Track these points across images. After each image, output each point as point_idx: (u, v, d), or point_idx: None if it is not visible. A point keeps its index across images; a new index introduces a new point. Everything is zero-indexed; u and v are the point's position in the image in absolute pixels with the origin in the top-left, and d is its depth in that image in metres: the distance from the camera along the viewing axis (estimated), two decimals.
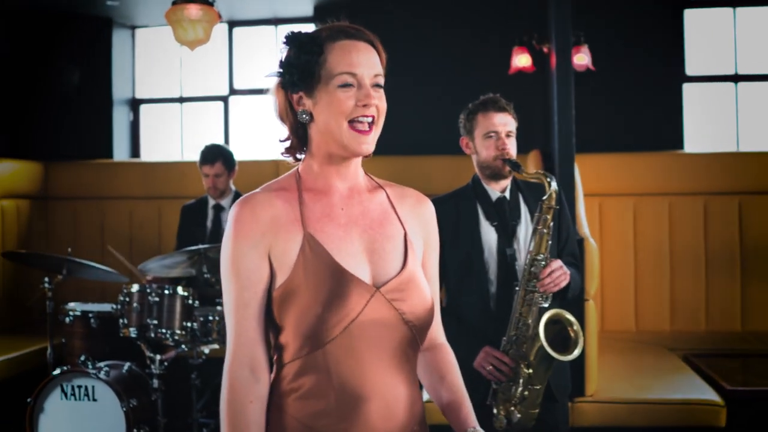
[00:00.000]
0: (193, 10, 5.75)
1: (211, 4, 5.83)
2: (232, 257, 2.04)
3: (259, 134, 8.30)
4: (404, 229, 2.17)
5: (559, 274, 3.54)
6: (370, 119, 2.05)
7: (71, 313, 5.30)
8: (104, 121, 8.02)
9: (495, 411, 3.59)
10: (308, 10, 7.65)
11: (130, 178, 7.54)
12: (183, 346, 5.12)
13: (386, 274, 2.07)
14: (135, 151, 8.43)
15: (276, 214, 2.05)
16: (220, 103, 8.29)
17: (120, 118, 8.17)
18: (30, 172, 7.39)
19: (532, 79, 6.75)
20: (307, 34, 2.08)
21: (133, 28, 8.27)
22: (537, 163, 6.09)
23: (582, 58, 6.48)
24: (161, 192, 7.36)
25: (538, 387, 3.55)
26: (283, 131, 2.17)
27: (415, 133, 7.21)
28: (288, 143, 2.16)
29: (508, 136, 3.75)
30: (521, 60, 6.67)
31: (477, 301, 3.74)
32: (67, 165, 7.62)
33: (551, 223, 3.61)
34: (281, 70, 2.09)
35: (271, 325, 2.08)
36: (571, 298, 3.77)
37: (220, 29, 8.20)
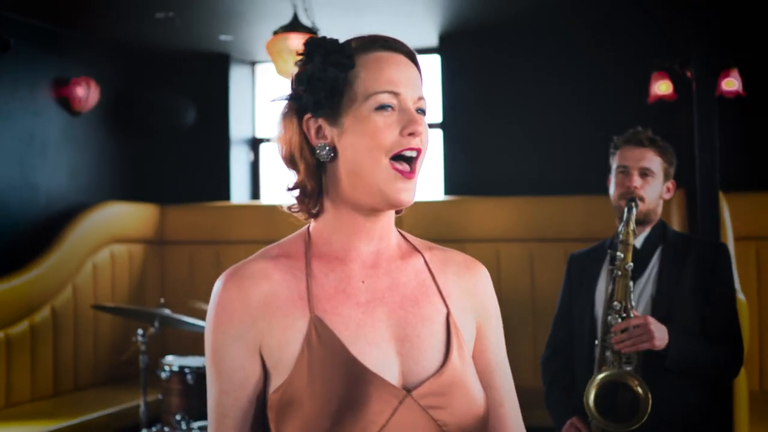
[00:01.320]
0: (295, 41, 5.35)
1: (315, 34, 5.41)
2: (211, 350, 1.58)
3: None
4: (447, 307, 1.66)
5: (640, 332, 3.02)
6: (415, 153, 1.57)
7: (167, 367, 4.97)
8: (222, 162, 7.72)
9: None
10: (433, 40, 7.17)
11: (248, 222, 7.21)
12: None
13: (421, 371, 1.57)
14: (255, 192, 8.10)
15: (273, 292, 1.57)
16: None
17: (238, 158, 7.87)
18: (144, 215, 7.14)
19: (675, 108, 6.07)
20: (333, 41, 1.59)
21: (252, 63, 7.95)
22: (681, 204, 5.49)
23: (731, 84, 5.78)
24: (281, 236, 6.95)
25: None
26: (291, 176, 1.66)
27: (545, 171, 6.70)
28: (298, 192, 1.65)
29: (643, 174, 3.29)
30: (661, 87, 6.01)
31: (582, 362, 3.31)
32: (183, 208, 7.35)
33: (628, 264, 3.10)
34: (297, 90, 1.59)
35: None
36: (702, 375, 3.21)
37: None
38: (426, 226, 6.59)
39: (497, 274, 6.32)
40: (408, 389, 1.52)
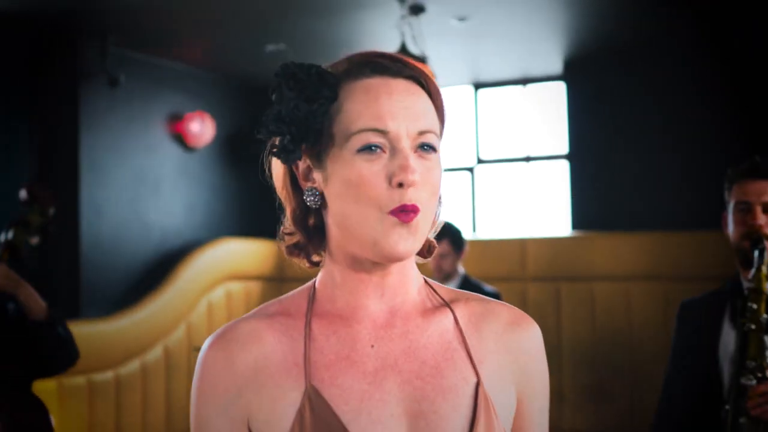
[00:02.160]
0: None
1: (424, 62, 5.18)
2: (195, 424, 1.35)
3: (505, 208, 7.60)
4: (478, 376, 1.35)
5: None
6: (410, 205, 1.26)
7: None
8: None
9: None
10: (557, 67, 6.92)
11: None
12: None
13: None
14: None
15: (264, 357, 1.33)
16: (467, 174, 7.63)
17: None
18: (262, 251, 7.06)
19: None
20: (312, 67, 1.29)
21: None
22: None
23: None
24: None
25: None
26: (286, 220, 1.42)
27: (676, 204, 6.30)
28: (292, 239, 1.40)
29: (767, 210, 2.87)
30: None
31: (703, 426, 2.92)
32: None
33: (763, 317, 2.70)
34: (268, 126, 1.31)
35: None
36: None
37: (466, 91, 7.63)
38: (550, 263, 6.36)
39: (627, 317, 5.97)
40: None
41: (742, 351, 2.72)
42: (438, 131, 1.33)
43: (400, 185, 1.24)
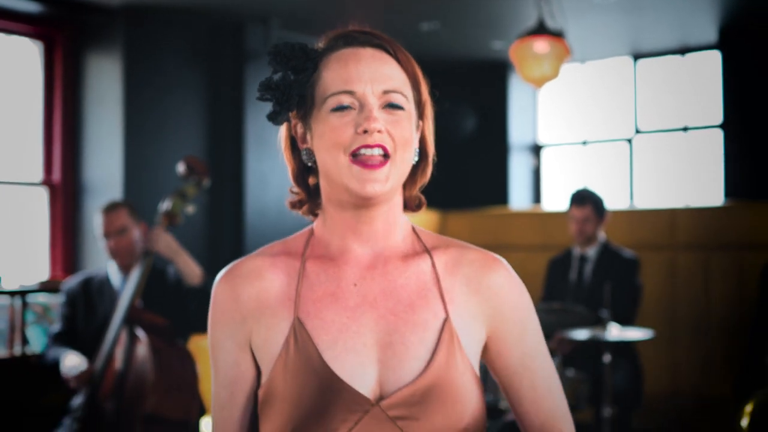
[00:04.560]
0: (541, 45, 5.29)
1: (561, 37, 5.33)
2: (210, 347, 1.61)
3: (664, 179, 7.61)
4: (446, 312, 1.54)
5: None
6: (378, 150, 1.49)
7: None
8: (501, 168, 7.83)
9: None
10: (712, 36, 6.89)
11: (526, 227, 7.25)
12: None
13: (398, 380, 1.49)
14: (537, 197, 8.12)
15: (264, 290, 1.56)
16: (625, 144, 7.68)
17: (518, 164, 7.95)
18: (426, 221, 7.29)
19: None
20: (296, 45, 1.56)
21: None
22: None
23: None
24: (557, 242, 6.75)
25: None
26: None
27: None
28: (295, 196, 1.66)
29: None
30: None
31: None
32: (464, 214, 7.50)
33: None
34: (260, 93, 1.57)
35: None
36: None
37: (624, 63, 7.68)
38: (703, 232, 6.39)
39: None
40: (381, 399, 1.49)
41: None
42: (405, 92, 1.54)
43: (365, 132, 1.47)
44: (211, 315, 1.60)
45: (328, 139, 1.50)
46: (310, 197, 1.62)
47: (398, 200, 1.59)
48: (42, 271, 6.02)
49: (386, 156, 1.49)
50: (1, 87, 5.93)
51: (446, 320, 1.53)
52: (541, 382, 1.62)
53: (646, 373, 5.80)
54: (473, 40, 7.09)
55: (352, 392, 1.46)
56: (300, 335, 1.50)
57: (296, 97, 1.54)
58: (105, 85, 6.03)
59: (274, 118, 1.56)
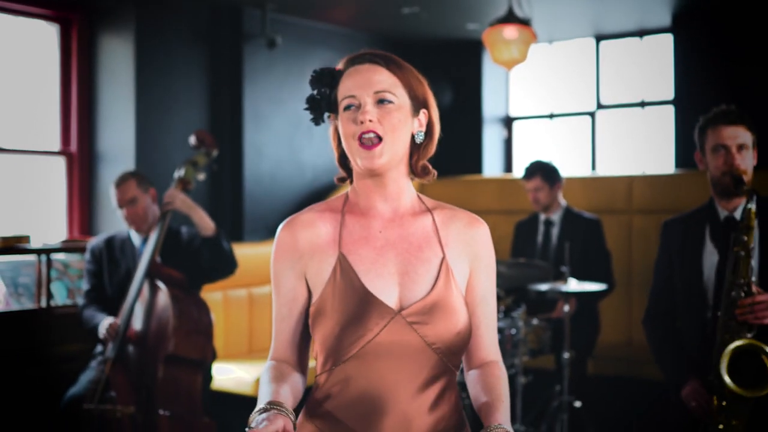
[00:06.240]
0: (510, 31, 5.91)
1: (528, 25, 5.95)
2: (273, 276, 2.18)
3: (622, 149, 8.22)
4: (443, 253, 2.15)
5: (763, 308, 3.26)
6: (371, 135, 2.07)
7: None
8: (475, 139, 8.39)
9: None
10: (666, 20, 7.47)
11: (497, 193, 7.71)
12: None
13: (413, 297, 2.07)
14: (509, 166, 8.71)
15: (316, 235, 2.14)
16: (588, 118, 8.30)
17: (491, 136, 8.51)
18: None
19: None
20: (327, 69, 2.17)
21: None
22: None
23: None
24: (523, 206, 6.96)
25: (736, 423, 3.30)
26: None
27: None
28: (339, 174, 2.26)
29: (739, 150, 3.48)
30: None
31: (692, 326, 3.56)
32: (440, 181, 7.90)
33: (752, 246, 3.32)
34: (306, 104, 2.20)
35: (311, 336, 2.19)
36: None
37: (587, 43, 8.26)
38: (657, 197, 6.90)
39: None
40: (402, 310, 2.05)
41: (734, 271, 3.32)
42: (394, 91, 2.08)
43: (361, 123, 2.08)
44: (275, 253, 2.17)
45: (344, 130, 2.11)
46: (349, 174, 2.24)
47: (404, 170, 2.15)
48: (60, 233, 6.43)
49: (380, 138, 2.08)
50: (22, 66, 6.28)
51: (443, 259, 2.14)
52: (491, 317, 2.25)
53: (603, 324, 6.37)
54: (450, 22, 7.60)
55: (381, 305, 2.04)
56: (344, 266, 2.08)
57: (325, 107, 2.17)
58: (118, 63, 6.42)
59: (315, 119, 2.20)
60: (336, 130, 2.18)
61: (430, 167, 2.21)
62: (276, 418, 1.90)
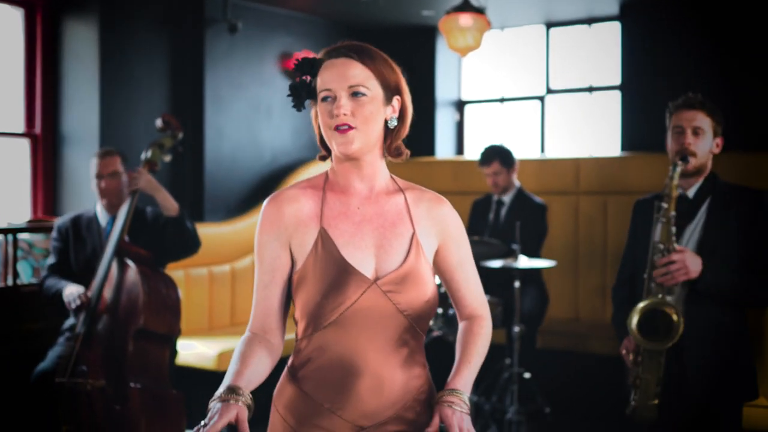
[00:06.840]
0: (465, 19, 6.13)
1: (482, 13, 6.18)
2: (258, 247, 2.31)
3: (571, 133, 8.44)
4: (414, 229, 2.31)
5: (677, 267, 3.55)
6: (345, 126, 2.21)
7: None
8: (428, 122, 8.58)
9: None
10: (614, 9, 7.70)
11: (450, 175, 7.93)
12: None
13: (387, 268, 2.24)
14: (460, 149, 8.93)
15: (299, 209, 2.28)
16: (538, 102, 8.54)
17: (443, 119, 8.72)
18: None
19: None
20: (308, 59, 2.33)
21: None
22: None
23: None
24: (476, 187, 7.39)
25: (648, 377, 3.63)
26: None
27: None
28: (320, 153, 2.41)
29: (695, 133, 3.70)
30: None
31: (639, 291, 3.81)
32: (394, 162, 8.13)
33: (672, 213, 3.61)
34: (289, 91, 2.36)
35: (292, 303, 2.32)
36: (736, 300, 3.69)
37: (538, 30, 8.48)
38: (603, 179, 7.13)
39: None
40: (377, 279, 2.22)
41: (659, 238, 3.63)
42: (367, 84, 2.21)
43: (336, 116, 2.24)
44: (261, 225, 2.29)
45: (322, 120, 2.28)
46: (329, 153, 2.38)
47: (378, 153, 2.30)
48: (25, 214, 6.51)
49: (350, 127, 2.20)
50: None
51: (414, 234, 2.31)
52: (472, 278, 2.46)
53: (552, 299, 6.65)
54: (406, 9, 7.78)
55: (359, 274, 2.21)
56: (325, 238, 2.24)
57: (305, 95, 2.35)
58: (82, 46, 6.49)
59: (296, 105, 2.37)
60: (317, 115, 2.32)
61: (403, 147, 2.37)
62: (228, 409, 2.03)
